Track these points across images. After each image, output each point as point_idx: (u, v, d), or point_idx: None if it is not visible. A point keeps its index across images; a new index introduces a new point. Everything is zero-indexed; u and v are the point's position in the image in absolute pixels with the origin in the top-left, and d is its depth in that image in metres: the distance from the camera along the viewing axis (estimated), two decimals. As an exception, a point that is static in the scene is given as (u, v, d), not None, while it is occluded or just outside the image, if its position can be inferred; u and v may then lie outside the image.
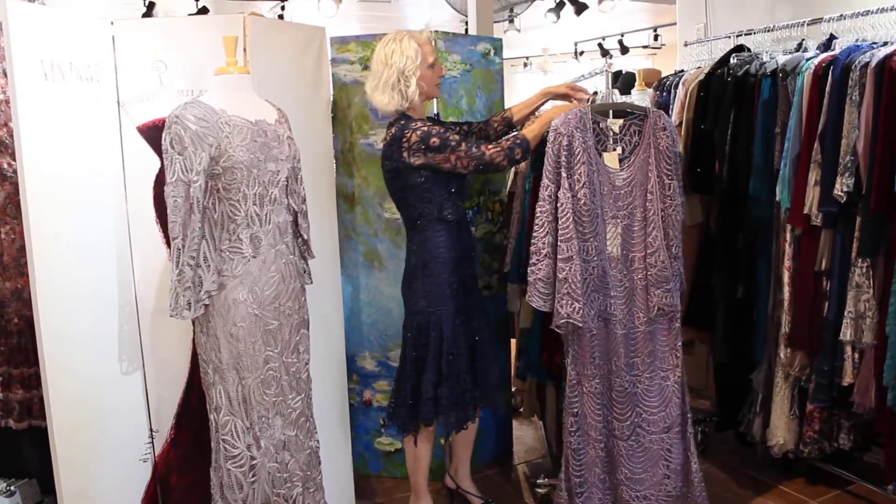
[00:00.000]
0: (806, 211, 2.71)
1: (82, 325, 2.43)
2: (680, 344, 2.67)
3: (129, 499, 2.63)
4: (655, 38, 9.19)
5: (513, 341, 3.61)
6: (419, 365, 2.67)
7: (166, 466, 2.69)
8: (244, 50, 2.49)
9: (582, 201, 2.46)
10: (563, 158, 2.45)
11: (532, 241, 2.51)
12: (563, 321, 2.48)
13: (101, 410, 2.50)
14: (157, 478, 2.68)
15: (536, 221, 2.50)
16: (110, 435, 2.53)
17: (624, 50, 9.25)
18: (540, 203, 2.49)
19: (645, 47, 9.77)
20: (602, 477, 2.64)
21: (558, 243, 2.47)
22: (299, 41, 2.82)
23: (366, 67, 3.16)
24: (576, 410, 2.59)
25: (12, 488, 2.75)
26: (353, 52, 3.17)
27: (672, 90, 3.48)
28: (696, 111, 3.21)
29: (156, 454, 2.68)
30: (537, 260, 2.50)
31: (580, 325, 2.48)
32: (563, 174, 2.45)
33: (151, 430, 2.67)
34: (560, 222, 2.47)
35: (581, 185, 2.45)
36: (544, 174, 2.48)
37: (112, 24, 2.53)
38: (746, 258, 3.03)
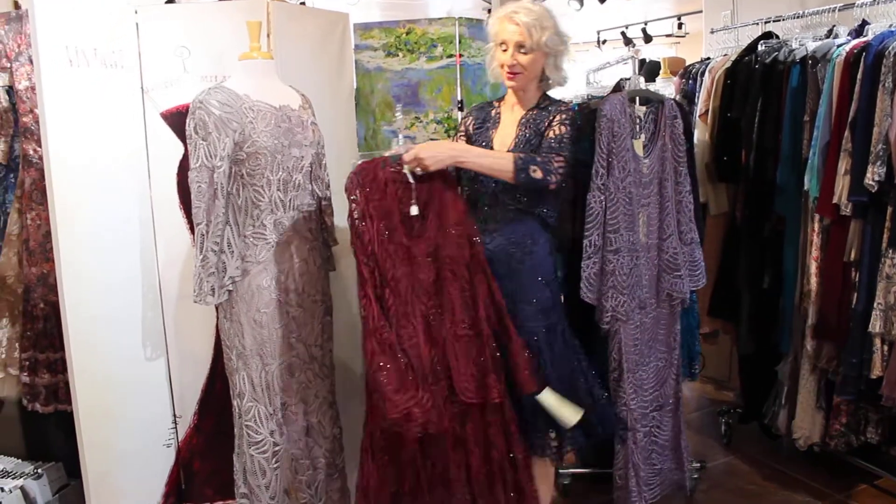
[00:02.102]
0: (835, 200, 2.66)
1: (107, 311, 2.45)
2: (678, 327, 2.65)
3: (153, 483, 2.65)
4: (679, 26, 9.08)
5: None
6: None
7: (189, 452, 2.70)
8: (268, 35, 2.48)
9: (627, 190, 2.41)
10: (613, 145, 2.39)
11: (585, 234, 2.41)
12: (609, 315, 2.43)
13: (126, 395, 2.52)
14: (180, 463, 2.70)
15: (589, 212, 2.40)
16: (134, 419, 2.55)
17: (647, 38, 9.15)
18: (592, 192, 2.40)
19: (668, 36, 9.66)
20: None
21: (606, 234, 2.39)
22: (323, 27, 2.81)
23: (389, 54, 3.15)
24: (634, 406, 2.51)
25: (39, 471, 2.78)
26: (376, 38, 3.15)
27: (698, 78, 3.44)
28: (722, 99, 3.17)
29: (179, 439, 2.69)
30: (592, 253, 2.41)
31: (625, 318, 2.44)
32: (614, 162, 2.38)
33: (175, 415, 2.68)
34: (609, 213, 2.39)
35: (626, 173, 2.40)
36: (597, 162, 2.39)
37: (136, 11, 2.53)
38: (773, 248, 3.00)
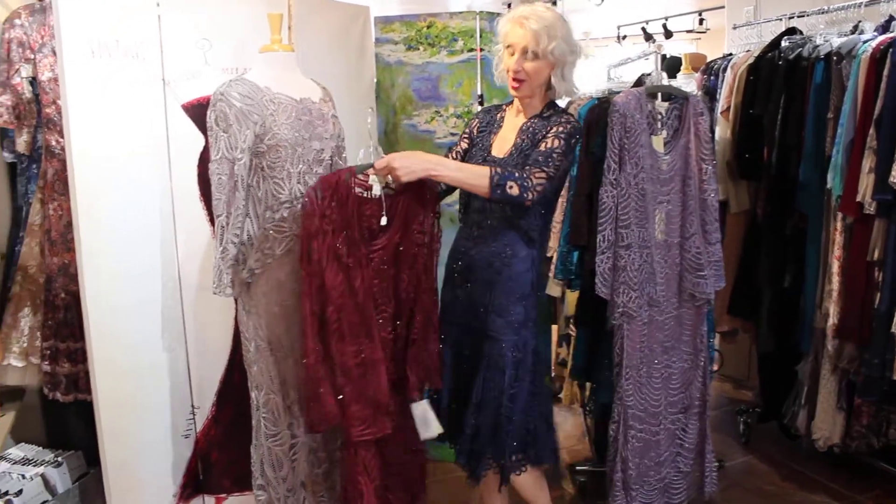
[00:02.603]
0: (859, 199, 2.64)
1: (127, 301, 2.46)
2: (706, 329, 2.63)
3: (171, 473, 2.66)
4: (700, 21, 9.01)
5: (554, 328, 3.57)
6: None
7: (207, 443, 2.71)
8: (289, 28, 2.48)
9: (640, 186, 2.41)
10: (626, 140, 2.39)
11: (599, 229, 2.43)
12: (620, 311, 2.44)
13: (145, 385, 2.54)
14: (198, 453, 2.71)
15: (602, 207, 2.41)
16: (153, 410, 2.57)
17: (668, 34, 9.09)
18: (604, 187, 2.41)
19: (689, 32, 9.59)
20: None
21: (618, 230, 2.41)
22: (343, 20, 2.81)
23: (410, 48, 3.14)
24: (630, 402, 2.53)
25: (60, 459, 2.81)
26: (397, 32, 3.15)
27: (720, 74, 3.41)
28: (745, 95, 3.15)
29: (197, 430, 2.71)
30: (605, 248, 2.43)
31: (634, 314, 2.44)
32: (626, 157, 2.39)
33: (193, 406, 2.70)
34: (620, 208, 2.40)
35: (640, 168, 2.40)
36: (608, 157, 2.40)
37: (158, 3, 2.53)
38: (794, 246, 2.97)
